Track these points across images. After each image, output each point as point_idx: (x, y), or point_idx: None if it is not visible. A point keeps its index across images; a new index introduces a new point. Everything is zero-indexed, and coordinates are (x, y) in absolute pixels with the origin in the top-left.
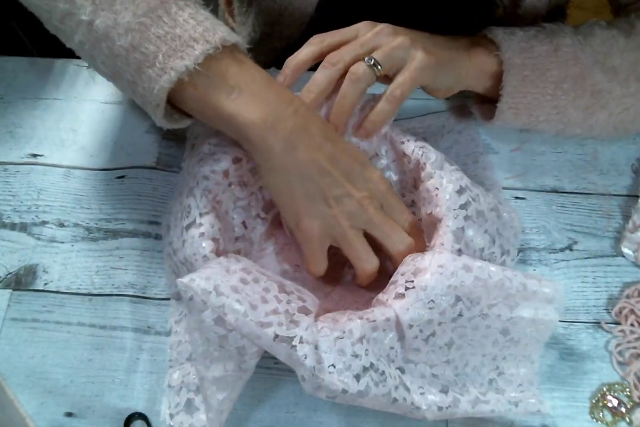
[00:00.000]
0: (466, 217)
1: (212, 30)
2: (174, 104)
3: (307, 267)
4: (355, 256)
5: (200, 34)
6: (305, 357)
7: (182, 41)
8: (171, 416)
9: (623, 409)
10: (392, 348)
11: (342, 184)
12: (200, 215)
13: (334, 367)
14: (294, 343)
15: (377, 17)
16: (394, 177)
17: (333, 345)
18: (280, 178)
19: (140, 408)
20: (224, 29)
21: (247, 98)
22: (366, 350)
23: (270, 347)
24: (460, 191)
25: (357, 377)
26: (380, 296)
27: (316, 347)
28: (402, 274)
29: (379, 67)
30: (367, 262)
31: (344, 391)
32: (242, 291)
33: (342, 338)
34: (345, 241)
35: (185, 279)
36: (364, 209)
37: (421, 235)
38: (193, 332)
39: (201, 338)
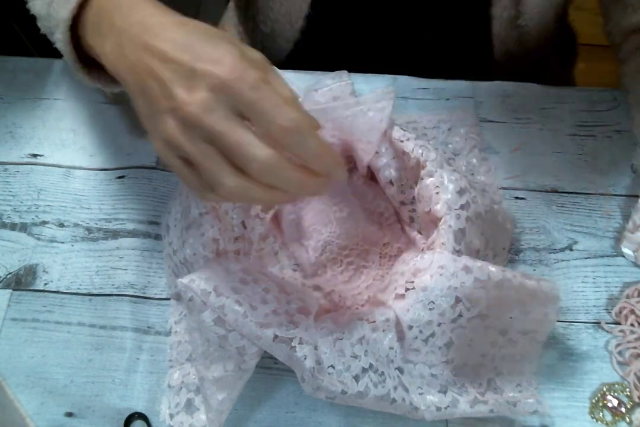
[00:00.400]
0: (467, 218)
1: None
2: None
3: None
4: (210, 182)
5: None
6: (305, 358)
7: None
8: (171, 416)
9: (623, 409)
10: (391, 348)
11: (171, 90)
12: (200, 215)
13: (334, 368)
14: (293, 344)
15: (372, 14)
16: (394, 173)
17: (332, 346)
18: (126, 88)
19: (140, 408)
20: None
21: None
22: (365, 351)
23: (269, 347)
24: (461, 192)
25: (357, 378)
26: (380, 296)
27: (316, 348)
28: (401, 274)
29: None
30: (222, 188)
31: (344, 392)
32: (242, 291)
33: (342, 339)
34: (194, 161)
35: (185, 280)
36: (198, 122)
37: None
38: (193, 332)
39: (201, 338)
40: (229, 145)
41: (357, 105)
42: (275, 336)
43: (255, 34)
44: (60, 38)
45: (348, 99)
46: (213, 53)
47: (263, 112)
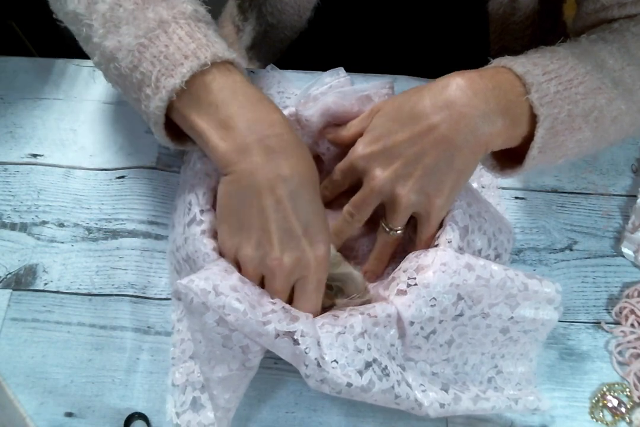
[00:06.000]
0: (471, 216)
1: (205, 46)
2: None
3: None
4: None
5: (192, 50)
6: (309, 350)
7: (174, 59)
8: (177, 414)
9: (623, 409)
10: (392, 345)
11: (273, 235)
12: (202, 212)
13: (337, 362)
14: (295, 337)
15: (380, 3)
16: None
17: (335, 340)
18: (230, 192)
19: (140, 408)
20: (219, 45)
21: (222, 118)
22: (368, 344)
23: (272, 344)
24: (466, 189)
25: (360, 373)
26: (382, 291)
27: (318, 343)
28: (404, 271)
29: (398, 231)
30: None
31: (349, 385)
32: (241, 289)
33: (344, 333)
34: (242, 268)
35: (184, 281)
36: (272, 272)
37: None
38: (195, 333)
39: (204, 339)
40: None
41: (355, 93)
42: (277, 332)
43: (259, 24)
44: (157, 102)
45: (347, 89)
46: (322, 240)
47: (303, 305)
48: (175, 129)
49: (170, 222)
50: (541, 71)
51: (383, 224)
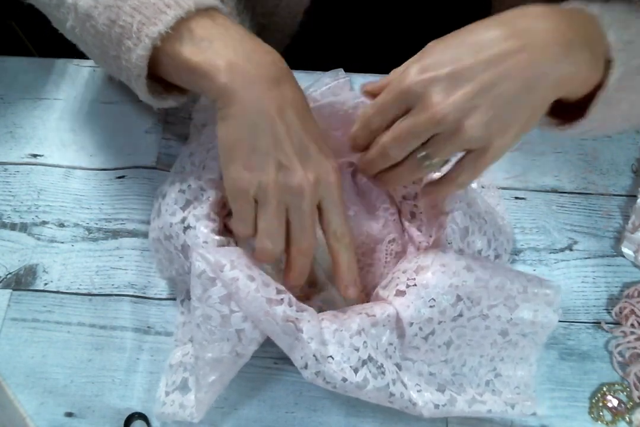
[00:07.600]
0: (471, 217)
1: None
2: (156, 75)
3: (234, 228)
4: (259, 231)
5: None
6: (311, 340)
7: (155, 8)
8: (166, 393)
9: (623, 409)
10: (390, 344)
11: (291, 155)
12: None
13: (333, 358)
14: (300, 325)
15: (372, 8)
16: None
17: (332, 337)
18: (235, 123)
19: (140, 408)
20: None
21: (218, 47)
22: (364, 342)
23: (274, 328)
24: (466, 191)
25: (356, 370)
26: (381, 292)
27: (320, 337)
28: (403, 271)
29: (434, 161)
30: (265, 242)
31: (344, 380)
32: (255, 269)
33: (341, 330)
34: (261, 208)
35: (201, 250)
36: (299, 191)
37: (347, 254)
38: (194, 310)
39: (203, 316)
40: (302, 222)
41: (356, 98)
42: (284, 315)
43: (251, 26)
44: (139, 51)
45: (347, 95)
46: (330, 154)
47: (333, 218)
48: (155, 86)
49: (155, 207)
50: (616, 17)
51: (418, 150)
